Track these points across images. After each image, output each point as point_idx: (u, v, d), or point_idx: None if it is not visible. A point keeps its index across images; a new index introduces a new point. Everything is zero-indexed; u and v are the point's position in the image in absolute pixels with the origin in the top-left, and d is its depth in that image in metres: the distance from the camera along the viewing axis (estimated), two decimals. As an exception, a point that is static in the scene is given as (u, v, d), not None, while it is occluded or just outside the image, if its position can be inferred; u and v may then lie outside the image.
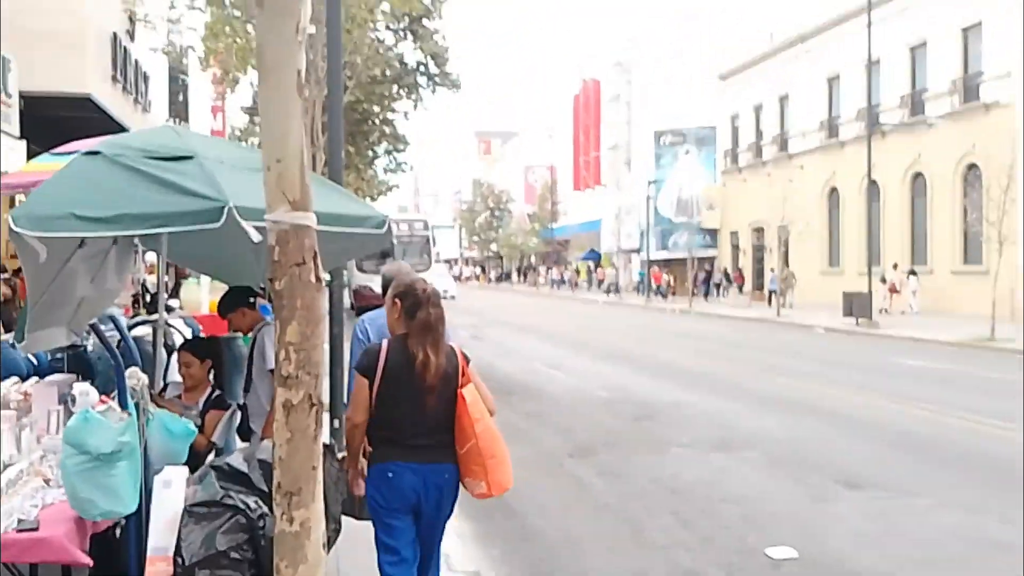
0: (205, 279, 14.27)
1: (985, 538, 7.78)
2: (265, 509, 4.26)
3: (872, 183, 34.12)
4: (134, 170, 5.27)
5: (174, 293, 16.91)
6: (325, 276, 3.58)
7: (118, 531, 4.67)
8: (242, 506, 4.28)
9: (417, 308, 4.87)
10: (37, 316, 5.74)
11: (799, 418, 13.64)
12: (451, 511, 5.10)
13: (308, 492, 3.22)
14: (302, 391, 3.20)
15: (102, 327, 5.19)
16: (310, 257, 3.30)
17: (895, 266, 37.18)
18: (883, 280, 35.09)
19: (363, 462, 4.96)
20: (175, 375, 7.87)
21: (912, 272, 36.12)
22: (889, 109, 39.05)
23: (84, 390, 4.64)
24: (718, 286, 51.17)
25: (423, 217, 49.86)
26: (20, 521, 4.03)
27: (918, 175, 38.15)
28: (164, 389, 7.04)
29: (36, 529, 3.97)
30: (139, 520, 4.37)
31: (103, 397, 4.43)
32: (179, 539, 4.21)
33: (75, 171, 5.50)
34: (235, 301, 6.91)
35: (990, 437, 11.97)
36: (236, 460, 4.58)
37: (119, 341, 5.39)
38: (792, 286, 42.17)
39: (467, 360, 4.98)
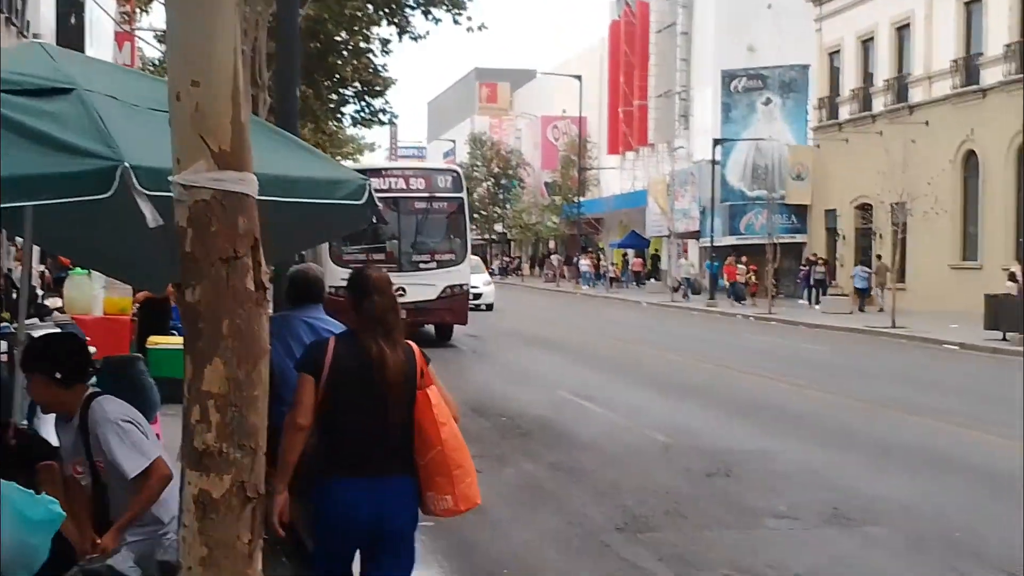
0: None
1: None
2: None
3: (1025, 147, 33.42)
4: (-21, 110, 4.83)
5: (56, 289, 16.42)
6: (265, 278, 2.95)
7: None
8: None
9: (364, 297, 5.52)
10: None
11: (942, 478, 13.02)
12: (410, 536, 5.76)
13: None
14: (228, 477, 2.55)
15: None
16: (247, 247, 2.66)
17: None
18: (1012, 278, 33.97)
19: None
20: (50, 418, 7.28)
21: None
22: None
23: None
24: (820, 284, 49.50)
25: (452, 167, 35.86)
26: None
27: (1090, 135, 37.48)
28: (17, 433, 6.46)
29: None
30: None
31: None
32: None
33: None
34: (36, 356, 5.97)
35: None
36: (122, 562, 3.96)
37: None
38: (884, 280, 43.41)
39: (426, 360, 5.67)
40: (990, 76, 42.35)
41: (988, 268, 40.48)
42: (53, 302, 14.91)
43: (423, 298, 26.08)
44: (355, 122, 35.24)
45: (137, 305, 15.83)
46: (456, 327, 29.24)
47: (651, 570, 9.25)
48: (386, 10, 26.59)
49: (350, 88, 30.81)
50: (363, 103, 31.96)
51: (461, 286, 28.05)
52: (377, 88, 31.18)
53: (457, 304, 27.95)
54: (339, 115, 33.88)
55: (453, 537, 10.30)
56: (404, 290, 25.24)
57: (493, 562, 9.58)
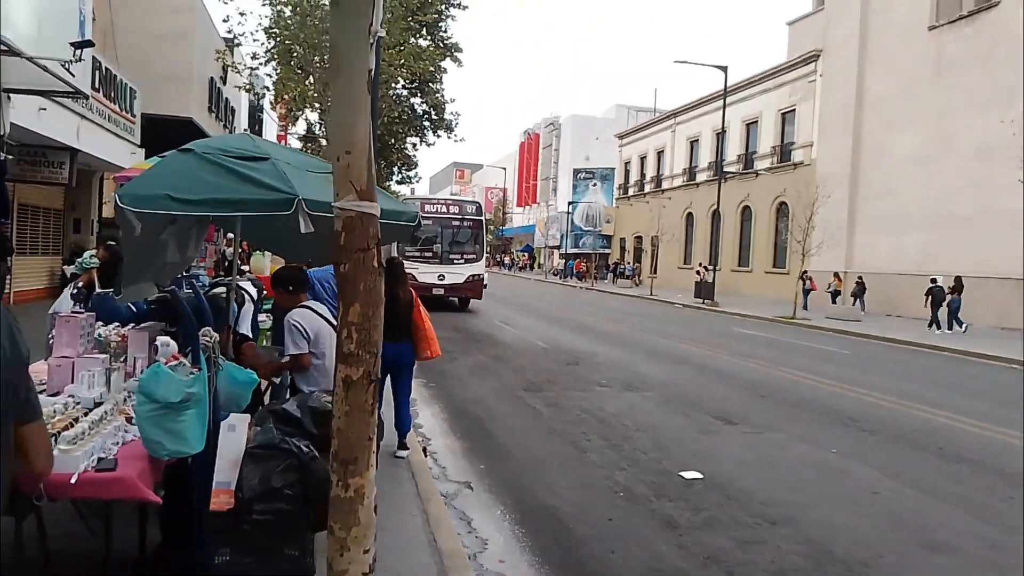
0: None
1: (830, 467, 7.04)
2: (315, 452, 3.28)
3: (716, 211, 33.56)
4: (220, 165, 4.36)
5: (245, 261, 15.66)
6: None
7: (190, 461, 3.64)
8: (295, 450, 3.28)
9: (391, 270, 6.05)
10: (132, 275, 4.74)
11: (677, 367, 12.87)
12: (412, 369, 6.47)
13: (363, 461, 2.26)
14: (361, 368, 2.25)
15: (180, 291, 4.11)
16: (373, 244, 2.33)
17: (701, 264, 35.87)
18: (699, 273, 34.12)
19: None
20: (245, 323, 6.78)
21: (707, 268, 32.72)
22: (730, 163, 38.54)
23: (165, 342, 3.58)
24: (622, 274, 49.68)
25: (475, 200, 26.78)
26: (100, 460, 2.99)
27: (747, 207, 37.73)
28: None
29: (113, 469, 2.93)
30: (206, 457, 3.34)
31: (175, 354, 3.37)
32: (240, 477, 3.22)
33: (172, 162, 4.52)
34: (279, 281, 5.18)
35: (806, 386, 11.33)
36: (291, 407, 3.59)
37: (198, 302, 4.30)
38: (639, 273, 45.20)
39: (418, 298, 6.46)
40: (701, 177, 42.47)
41: (694, 268, 40.74)
42: (244, 268, 14.27)
43: (454, 282, 22.46)
44: (398, 183, 34.21)
45: (287, 270, 15.23)
46: (473, 301, 24.46)
47: (540, 410, 8.99)
48: (413, 130, 25.87)
49: (395, 168, 29.89)
50: (402, 174, 30.97)
51: (479, 275, 23.12)
52: (408, 168, 30.27)
53: (475, 286, 22.91)
54: (388, 181, 32.82)
55: (443, 389, 10.01)
56: (444, 276, 22.14)
57: (464, 403, 9.25)
